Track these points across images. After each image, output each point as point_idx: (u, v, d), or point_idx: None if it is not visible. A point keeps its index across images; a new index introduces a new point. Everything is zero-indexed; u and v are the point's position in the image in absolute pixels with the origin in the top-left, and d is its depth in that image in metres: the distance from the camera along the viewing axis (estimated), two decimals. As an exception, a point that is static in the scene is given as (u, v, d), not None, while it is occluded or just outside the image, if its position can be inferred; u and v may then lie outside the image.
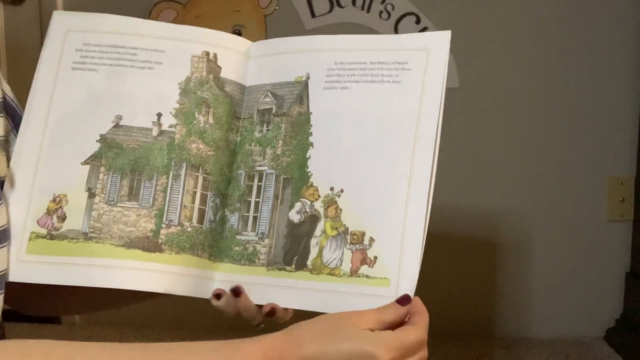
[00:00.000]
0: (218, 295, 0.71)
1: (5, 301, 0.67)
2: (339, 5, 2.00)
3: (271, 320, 0.71)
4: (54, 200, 0.71)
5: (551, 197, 2.03)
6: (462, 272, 2.00)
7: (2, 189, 0.69)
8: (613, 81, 1.98)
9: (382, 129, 0.71)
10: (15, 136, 0.73)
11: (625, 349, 1.94)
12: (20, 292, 0.72)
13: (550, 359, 1.94)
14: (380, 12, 1.99)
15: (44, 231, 0.71)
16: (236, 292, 0.70)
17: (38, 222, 0.71)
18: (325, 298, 0.69)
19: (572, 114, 2.00)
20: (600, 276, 2.04)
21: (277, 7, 1.99)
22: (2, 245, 0.67)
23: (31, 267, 0.70)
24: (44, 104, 0.73)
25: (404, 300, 0.65)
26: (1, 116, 0.71)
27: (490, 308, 2.06)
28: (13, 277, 0.69)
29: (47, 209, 0.71)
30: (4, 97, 0.72)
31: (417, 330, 0.63)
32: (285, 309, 0.71)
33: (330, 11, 2.00)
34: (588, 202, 2.02)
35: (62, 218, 0.71)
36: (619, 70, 1.98)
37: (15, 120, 0.74)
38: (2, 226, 0.67)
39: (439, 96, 0.70)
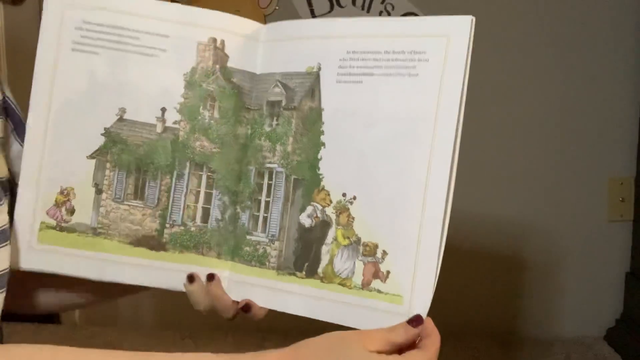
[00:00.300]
0: (191, 278, 0.70)
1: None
2: (339, 5, 2.00)
3: (245, 315, 0.70)
4: (61, 193, 0.72)
5: (551, 197, 2.03)
6: (463, 274, 2.00)
7: (2, 189, 0.69)
8: (613, 81, 1.98)
9: (396, 130, 0.66)
10: (15, 137, 0.73)
11: (625, 349, 1.94)
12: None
13: (550, 359, 1.94)
14: (380, 12, 1.99)
15: (53, 222, 0.72)
16: (210, 277, 0.70)
17: (47, 213, 0.72)
18: (335, 308, 0.66)
19: (572, 114, 2.00)
20: (600, 276, 2.04)
21: (277, 7, 1.99)
22: (2, 245, 0.67)
23: (43, 256, 0.71)
24: (46, 90, 0.71)
25: (415, 321, 0.62)
26: (1, 117, 0.71)
27: (489, 308, 2.06)
28: (24, 265, 0.71)
29: (56, 201, 0.72)
30: (3, 98, 0.72)
31: (427, 355, 0.60)
32: (261, 307, 0.70)
33: (330, 11, 2.00)
34: (588, 202, 2.02)
35: (71, 211, 0.72)
36: (619, 71, 1.98)
37: (15, 122, 0.74)
38: (2, 226, 0.67)
39: (460, 92, 0.64)
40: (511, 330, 2.05)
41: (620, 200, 2.01)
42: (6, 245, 0.67)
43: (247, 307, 0.69)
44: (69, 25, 0.71)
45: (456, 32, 0.65)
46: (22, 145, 0.73)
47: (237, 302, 0.71)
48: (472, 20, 0.65)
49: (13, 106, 0.74)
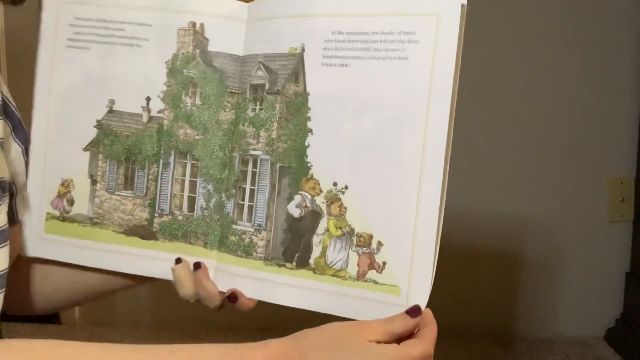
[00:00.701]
0: (178, 261, 0.70)
1: None
2: (339, 5, 2.00)
3: (234, 307, 0.70)
4: (62, 184, 0.75)
5: (551, 196, 2.02)
6: (463, 274, 2.00)
7: (1, 190, 0.69)
8: (613, 82, 1.98)
9: (387, 117, 0.63)
10: (14, 139, 0.74)
11: (625, 349, 1.94)
12: None
13: (550, 359, 1.94)
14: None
15: (57, 213, 0.75)
16: (196, 265, 0.70)
17: (52, 204, 0.75)
18: (330, 300, 0.66)
19: (572, 114, 2.00)
20: (600, 276, 2.04)
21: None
22: (2, 246, 0.67)
23: (50, 245, 0.75)
24: (46, 86, 0.75)
25: (414, 311, 0.61)
26: (0, 118, 0.71)
27: (489, 308, 2.06)
28: (34, 253, 0.75)
29: (58, 192, 0.75)
30: (3, 100, 0.72)
31: (425, 345, 0.60)
32: (249, 298, 0.69)
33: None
34: (588, 202, 2.02)
35: (71, 202, 0.75)
36: (619, 71, 1.98)
37: (14, 123, 0.74)
38: (2, 227, 0.67)
39: (452, 76, 0.61)
40: (511, 330, 2.05)
41: (620, 200, 2.01)
42: (5, 245, 0.67)
43: (233, 297, 0.69)
44: (64, 22, 0.74)
45: (447, 11, 0.61)
46: (20, 146, 0.74)
47: (224, 292, 0.70)
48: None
49: (12, 107, 0.74)
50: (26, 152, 0.78)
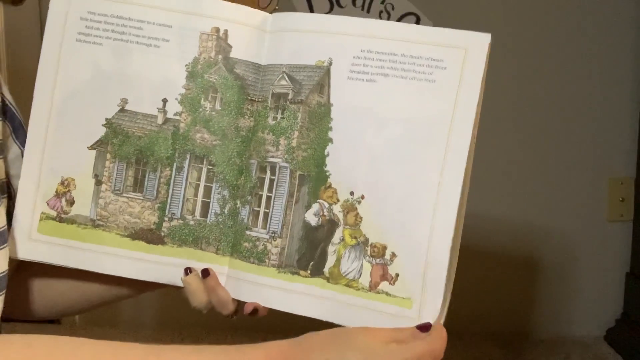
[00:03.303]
0: (187, 271, 0.69)
1: None
2: (339, 5, 2.00)
3: (251, 317, 0.69)
4: (62, 183, 0.71)
5: (551, 197, 2.03)
6: (462, 275, 2.00)
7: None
8: (613, 82, 1.98)
9: (410, 132, 0.64)
10: (14, 140, 0.73)
11: (625, 349, 1.94)
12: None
13: (550, 359, 1.95)
14: (380, 12, 1.99)
15: (53, 213, 0.71)
16: (204, 272, 0.69)
17: (48, 203, 0.71)
18: (341, 309, 0.65)
19: (572, 114, 2.00)
20: (600, 276, 2.04)
21: (277, 7, 1.98)
22: (1, 247, 0.67)
23: (42, 246, 0.71)
24: (50, 80, 0.71)
25: (424, 327, 0.61)
26: (0, 120, 0.71)
27: (489, 309, 2.06)
28: (23, 255, 0.70)
29: (56, 192, 0.71)
30: (2, 101, 0.72)
31: (432, 344, 0.59)
32: (265, 308, 0.68)
33: (330, 11, 2.00)
34: (588, 202, 2.02)
35: (71, 202, 0.71)
36: (619, 71, 1.98)
37: (14, 125, 0.73)
38: (1, 228, 0.67)
39: (476, 101, 0.63)
40: (511, 330, 2.05)
41: (620, 200, 2.01)
42: (5, 247, 0.67)
43: (254, 312, 0.68)
44: (74, 16, 0.71)
45: (475, 45, 0.64)
46: (20, 149, 0.73)
47: (236, 300, 0.69)
48: (489, 37, 0.66)
49: (13, 109, 0.73)
50: None
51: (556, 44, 1.98)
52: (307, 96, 0.68)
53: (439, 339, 0.60)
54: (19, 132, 0.73)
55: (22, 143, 0.72)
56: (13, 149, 0.73)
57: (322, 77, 0.68)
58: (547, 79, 1.99)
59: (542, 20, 1.97)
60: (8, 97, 0.73)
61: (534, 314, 2.07)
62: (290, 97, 0.69)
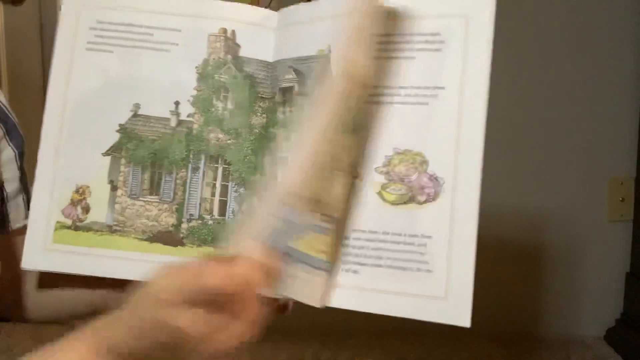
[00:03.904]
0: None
1: None
2: None
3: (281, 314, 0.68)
4: (77, 191, 0.71)
5: (551, 196, 2.03)
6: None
7: None
8: (613, 81, 1.98)
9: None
10: (8, 142, 0.73)
11: (625, 349, 1.94)
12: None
13: (550, 359, 1.94)
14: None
15: (69, 222, 0.71)
16: (283, 307, 0.67)
17: (63, 212, 0.71)
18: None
19: (572, 114, 2.00)
20: (600, 276, 2.04)
21: (267, 7, 1.98)
22: None
23: (58, 256, 0.70)
24: (61, 89, 0.71)
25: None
26: None
27: (487, 308, 2.06)
28: (39, 266, 0.70)
29: (72, 200, 0.71)
30: None
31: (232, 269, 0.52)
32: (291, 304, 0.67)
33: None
34: (588, 202, 2.02)
35: (86, 209, 0.71)
36: (619, 71, 1.98)
37: (7, 126, 0.73)
38: None
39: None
40: (511, 330, 2.05)
41: (620, 200, 2.01)
42: None
43: (283, 308, 0.67)
44: (84, 25, 0.72)
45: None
46: (14, 151, 0.73)
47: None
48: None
49: (6, 111, 0.73)
50: (20, 156, 0.77)
51: (556, 43, 1.98)
52: (311, 87, 0.68)
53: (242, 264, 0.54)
54: (13, 134, 0.73)
55: (16, 145, 0.71)
56: (6, 151, 0.73)
57: (323, 65, 0.67)
58: (546, 79, 1.99)
59: (543, 20, 1.97)
60: (2, 99, 0.73)
61: (534, 314, 2.06)
62: (296, 89, 0.69)
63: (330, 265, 0.63)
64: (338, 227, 0.63)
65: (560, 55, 1.98)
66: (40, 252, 0.70)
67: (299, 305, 0.69)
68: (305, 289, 0.63)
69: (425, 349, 1.91)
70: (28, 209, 0.75)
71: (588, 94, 1.99)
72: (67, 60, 0.71)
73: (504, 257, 2.03)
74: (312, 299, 0.63)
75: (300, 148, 0.61)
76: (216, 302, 0.51)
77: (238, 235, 0.59)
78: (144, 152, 0.72)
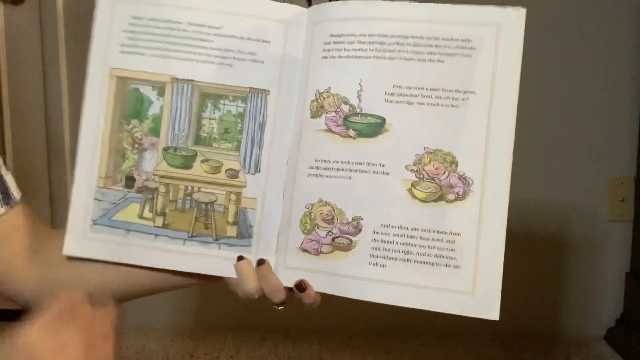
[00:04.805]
0: (241, 257, 0.69)
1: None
2: None
3: (297, 298, 0.68)
4: None
5: (551, 196, 2.03)
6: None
7: None
8: (613, 81, 1.98)
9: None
10: None
11: (625, 349, 1.94)
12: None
13: (550, 359, 1.95)
14: None
15: None
16: (260, 261, 0.69)
17: None
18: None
19: (572, 114, 2.00)
20: (600, 276, 2.04)
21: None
22: None
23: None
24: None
25: None
26: None
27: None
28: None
29: None
30: None
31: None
32: (317, 292, 0.68)
33: None
34: (588, 202, 2.02)
35: None
36: (620, 71, 1.98)
37: None
38: None
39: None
40: (510, 330, 2.05)
41: (620, 200, 2.02)
42: None
43: (301, 287, 0.67)
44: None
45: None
46: None
47: (287, 289, 0.69)
48: (524, 12, 0.69)
49: None
50: None
51: (555, 43, 1.98)
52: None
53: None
54: None
55: None
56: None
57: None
58: (547, 79, 1.99)
59: (543, 20, 1.97)
60: None
61: (534, 314, 2.07)
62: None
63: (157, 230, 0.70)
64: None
65: (560, 55, 1.98)
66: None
67: (299, 305, 0.69)
68: (145, 252, 0.70)
69: (425, 349, 1.91)
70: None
71: (588, 94, 1.99)
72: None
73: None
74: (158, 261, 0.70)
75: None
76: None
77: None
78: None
